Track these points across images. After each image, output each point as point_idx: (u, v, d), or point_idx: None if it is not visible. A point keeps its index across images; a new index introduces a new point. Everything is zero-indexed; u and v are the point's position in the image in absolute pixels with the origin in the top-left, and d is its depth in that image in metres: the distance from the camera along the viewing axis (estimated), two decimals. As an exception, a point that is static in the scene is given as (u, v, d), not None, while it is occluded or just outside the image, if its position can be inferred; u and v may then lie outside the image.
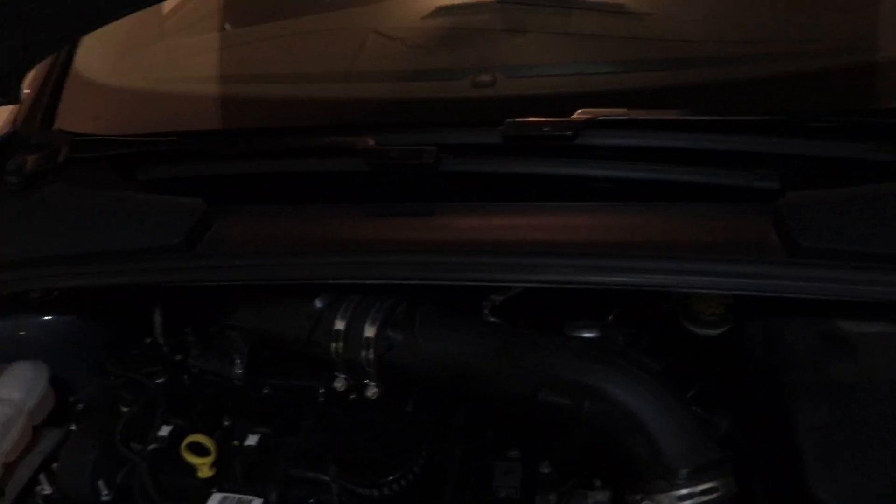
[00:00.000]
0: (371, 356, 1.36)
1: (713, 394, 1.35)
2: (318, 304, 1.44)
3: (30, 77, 1.81)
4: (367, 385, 1.40)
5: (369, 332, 1.36)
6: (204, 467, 1.33)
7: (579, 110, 1.45)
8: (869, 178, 1.37)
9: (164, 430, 1.40)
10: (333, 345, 1.39)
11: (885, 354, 1.26)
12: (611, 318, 1.40)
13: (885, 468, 1.13)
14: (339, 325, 1.39)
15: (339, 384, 1.42)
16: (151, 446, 1.38)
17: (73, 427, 1.48)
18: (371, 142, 1.52)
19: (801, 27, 1.85)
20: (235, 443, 1.37)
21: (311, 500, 1.31)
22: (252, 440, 1.37)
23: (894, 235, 1.26)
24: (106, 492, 1.40)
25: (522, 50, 1.88)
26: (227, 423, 1.41)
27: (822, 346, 1.28)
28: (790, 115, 1.53)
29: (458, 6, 1.95)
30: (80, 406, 1.52)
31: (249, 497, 1.30)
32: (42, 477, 1.44)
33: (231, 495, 1.31)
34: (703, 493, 1.16)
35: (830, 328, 1.31)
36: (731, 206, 1.41)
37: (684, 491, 1.16)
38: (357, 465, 1.24)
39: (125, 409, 1.46)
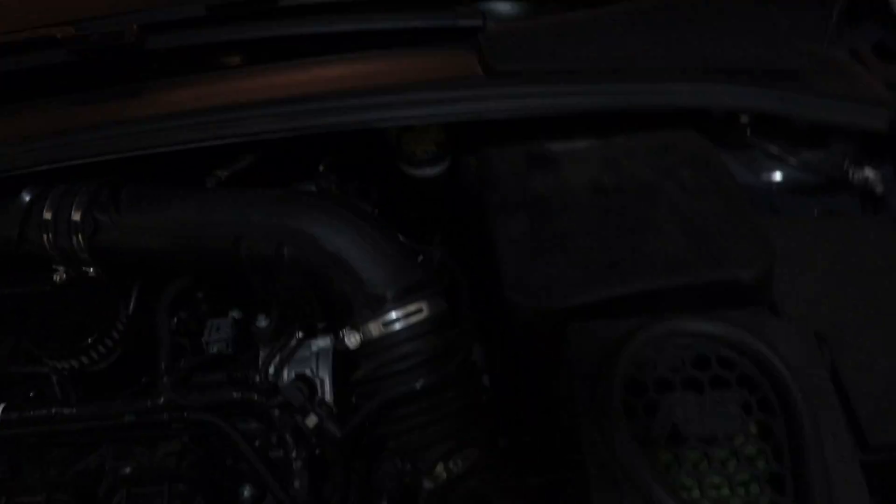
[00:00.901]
0: (81, 241, 1.30)
1: (430, 228, 1.36)
2: (26, 197, 1.36)
3: None
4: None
5: (76, 216, 1.30)
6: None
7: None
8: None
9: None
10: (44, 236, 1.32)
11: (582, 165, 1.30)
12: (322, 168, 1.38)
13: (574, 264, 1.16)
14: (47, 215, 1.32)
15: (58, 277, 1.35)
16: None
17: None
18: (71, 30, 1.44)
19: None
20: None
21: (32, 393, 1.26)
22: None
23: (580, 53, 1.29)
24: None
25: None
26: None
27: (525, 165, 1.30)
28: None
29: None
30: None
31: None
32: None
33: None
34: (410, 314, 1.17)
35: (536, 148, 1.33)
36: (441, 46, 1.41)
37: (392, 315, 1.17)
38: (52, 338, 1.18)
39: None
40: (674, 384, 1.01)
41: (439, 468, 1.14)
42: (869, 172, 1.38)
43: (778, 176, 1.48)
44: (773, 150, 1.40)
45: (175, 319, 1.30)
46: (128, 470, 1.16)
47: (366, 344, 1.17)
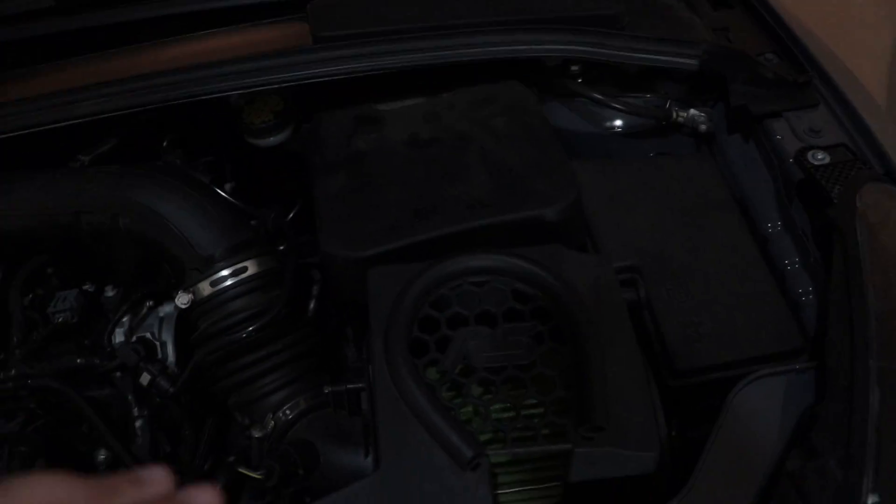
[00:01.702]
0: None
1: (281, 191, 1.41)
2: None
3: None
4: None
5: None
6: None
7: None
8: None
9: None
10: None
11: (404, 121, 1.35)
12: (165, 143, 1.43)
13: (383, 214, 1.21)
14: None
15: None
16: None
17: None
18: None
19: None
20: None
21: None
22: None
23: (402, 14, 1.34)
24: None
25: None
26: None
27: (352, 126, 1.35)
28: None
29: None
30: None
31: None
32: None
33: None
34: (237, 272, 1.23)
35: (364, 110, 1.38)
36: (278, 19, 1.46)
37: (220, 273, 1.22)
38: None
39: None
40: (468, 319, 1.06)
41: (268, 419, 1.20)
42: (693, 112, 1.43)
43: (617, 122, 1.52)
44: (597, 97, 1.44)
45: (31, 296, 1.36)
46: None
47: (198, 303, 1.23)
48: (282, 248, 1.33)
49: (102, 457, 1.30)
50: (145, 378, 1.21)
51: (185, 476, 1.26)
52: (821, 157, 1.27)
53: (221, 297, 1.22)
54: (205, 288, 1.22)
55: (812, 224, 1.27)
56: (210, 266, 1.22)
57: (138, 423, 1.25)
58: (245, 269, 1.22)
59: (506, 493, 1.04)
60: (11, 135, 1.33)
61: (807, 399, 1.10)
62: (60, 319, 1.28)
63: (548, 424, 1.00)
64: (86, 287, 1.35)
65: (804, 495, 0.96)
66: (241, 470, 1.10)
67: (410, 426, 0.98)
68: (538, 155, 1.26)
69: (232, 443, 1.34)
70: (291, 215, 1.45)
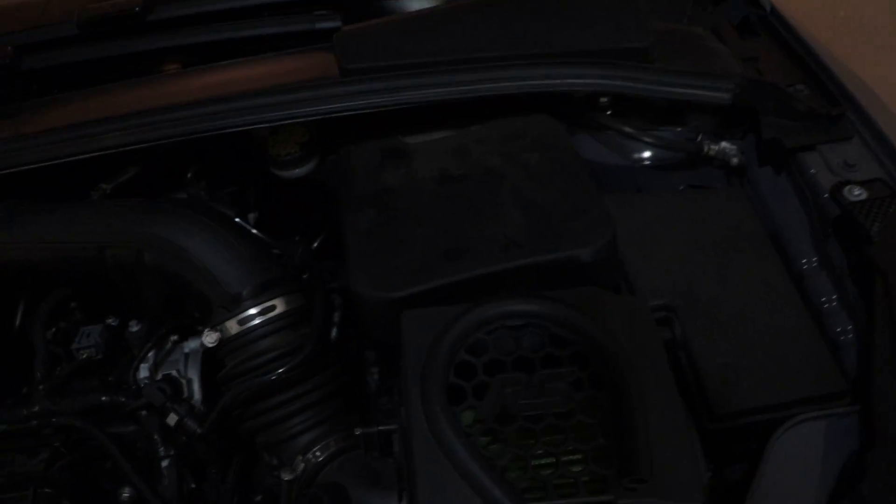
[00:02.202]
0: None
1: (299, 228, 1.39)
2: None
3: None
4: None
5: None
6: None
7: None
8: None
9: None
10: None
11: (433, 156, 1.33)
12: (189, 175, 1.41)
13: (415, 252, 1.18)
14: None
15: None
16: None
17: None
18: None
19: None
20: None
21: None
22: None
23: (429, 46, 1.32)
24: None
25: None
26: None
27: (380, 160, 1.33)
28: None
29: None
30: None
31: None
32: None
33: None
34: (265, 310, 1.21)
35: (392, 144, 1.36)
36: (304, 49, 1.45)
37: (248, 312, 1.20)
38: None
39: None
40: (506, 365, 1.04)
41: (297, 460, 1.18)
42: (725, 145, 1.41)
43: (646, 153, 1.50)
44: (627, 130, 1.42)
45: (54, 329, 1.34)
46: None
47: (226, 342, 1.21)
48: (305, 276, 1.31)
49: (127, 495, 1.28)
50: (172, 419, 1.19)
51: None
52: (857, 193, 1.25)
53: (249, 335, 1.20)
54: (232, 326, 1.20)
55: (849, 261, 1.25)
56: (238, 304, 1.20)
57: (164, 463, 1.23)
58: (273, 308, 1.21)
59: (544, 544, 1.02)
60: (35, 166, 1.31)
61: (850, 444, 1.08)
62: (85, 356, 1.27)
63: (589, 473, 0.98)
64: (109, 321, 1.33)
65: (860, 549, 0.94)
66: (271, 515, 1.08)
67: (449, 477, 0.96)
68: (571, 192, 1.24)
69: (259, 482, 1.31)
70: (315, 246, 1.43)
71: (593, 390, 1.02)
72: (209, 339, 1.20)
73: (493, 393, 1.03)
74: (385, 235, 1.21)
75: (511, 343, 1.06)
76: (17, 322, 1.35)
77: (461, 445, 0.96)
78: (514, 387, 1.03)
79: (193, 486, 1.27)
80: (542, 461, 1.01)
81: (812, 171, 1.31)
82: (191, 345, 1.31)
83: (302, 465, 1.18)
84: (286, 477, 1.17)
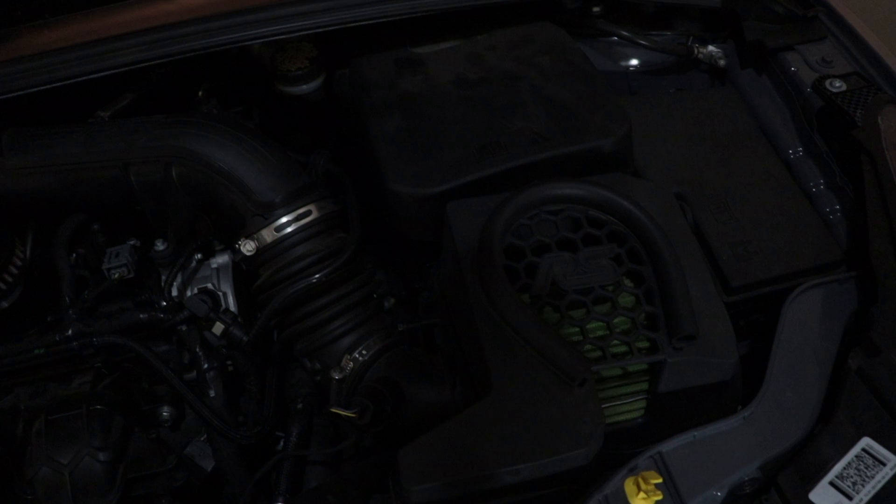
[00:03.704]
0: None
1: (311, 138, 1.41)
2: None
3: None
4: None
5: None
6: None
7: None
8: None
9: None
10: None
11: (447, 63, 1.37)
12: (200, 93, 1.41)
13: (448, 150, 1.23)
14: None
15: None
16: None
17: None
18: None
19: None
20: None
21: None
22: None
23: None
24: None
25: None
26: None
27: (394, 70, 1.36)
28: None
29: None
30: None
31: None
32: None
33: None
34: (300, 216, 1.22)
35: (403, 54, 1.39)
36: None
37: (283, 219, 1.22)
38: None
39: None
40: (550, 246, 1.10)
41: (345, 360, 1.21)
42: (712, 48, 1.50)
43: (634, 60, 1.58)
44: (624, 34, 1.49)
45: (74, 255, 1.31)
46: (43, 401, 1.18)
47: (261, 251, 1.22)
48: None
49: (166, 414, 1.28)
50: (218, 328, 1.20)
51: (254, 427, 1.26)
52: (838, 85, 1.36)
53: (286, 242, 1.21)
54: (268, 234, 1.21)
55: (833, 148, 1.36)
56: (271, 211, 1.21)
57: (210, 375, 1.23)
58: (308, 214, 1.22)
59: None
60: (43, 88, 1.27)
61: (851, 304, 1.19)
62: (116, 276, 1.25)
63: (640, 339, 1.05)
64: (132, 242, 1.31)
65: (876, 389, 1.04)
66: (333, 410, 1.11)
67: (517, 349, 1.02)
68: (587, 90, 1.30)
69: (294, 392, 1.33)
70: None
71: (633, 264, 1.10)
72: (247, 247, 1.21)
73: (543, 271, 1.09)
74: (415, 136, 1.25)
75: (551, 227, 1.12)
76: (28, 250, 1.31)
77: (528, 318, 1.02)
78: (561, 265, 1.09)
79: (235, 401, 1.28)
80: (597, 332, 1.08)
81: (793, 68, 1.42)
82: (218, 260, 1.31)
83: (351, 365, 1.21)
84: (336, 376, 1.20)
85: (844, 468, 1.00)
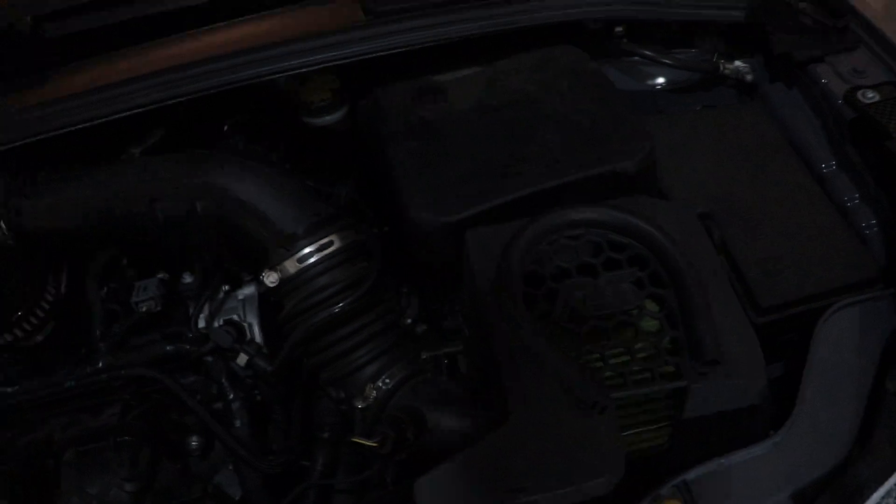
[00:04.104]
0: (4, 228, 1.33)
1: (336, 169, 1.42)
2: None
3: None
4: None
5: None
6: None
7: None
8: None
9: None
10: None
11: (467, 89, 1.37)
12: (226, 128, 1.43)
13: (468, 176, 1.23)
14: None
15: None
16: None
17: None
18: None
19: None
20: None
21: None
22: None
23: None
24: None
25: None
26: None
27: (413, 98, 1.37)
28: None
29: None
30: None
31: None
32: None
33: None
34: (322, 247, 1.23)
35: (423, 82, 1.40)
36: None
37: (305, 250, 1.22)
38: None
39: None
40: (570, 272, 1.09)
41: (368, 389, 1.21)
42: (738, 63, 1.47)
43: (660, 79, 1.56)
44: (648, 54, 1.48)
45: (106, 289, 1.35)
46: (74, 432, 1.21)
47: (285, 282, 1.23)
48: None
49: (195, 444, 1.30)
50: (242, 359, 1.21)
51: (280, 456, 1.27)
52: (871, 96, 1.32)
53: (309, 272, 1.21)
54: (291, 266, 1.22)
55: (867, 159, 1.32)
56: (294, 243, 1.22)
57: (236, 406, 1.25)
58: (330, 244, 1.23)
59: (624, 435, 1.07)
60: (70, 129, 1.31)
61: (890, 323, 1.15)
62: (144, 309, 1.27)
63: (662, 364, 1.03)
64: (160, 276, 1.34)
65: (915, 411, 1.00)
66: (355, 440, 1.11)
67: (536, 376, 1.00)
68: (608, 111, 1.29)
69: (320, 421, 1.34)
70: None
71: (655, 288, 1.08)
72: (270, 279, 1.22)
73: (563, 298, 1.08)
74: (434, 163, 1.25)
75: (572, 252, 1.11)
76: (64, 286, 1.34)
77: (546, 345, 1.00)
78: (581, 290, 1.08)
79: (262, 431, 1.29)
80: (618, 359, 1.06)
81: (824, 80, 1.38)
82: (244, 291, 1.33)
83: (374, 394, 1.20)
84: (359, 405, 1.20)
85: (884, 497, 0.97)
